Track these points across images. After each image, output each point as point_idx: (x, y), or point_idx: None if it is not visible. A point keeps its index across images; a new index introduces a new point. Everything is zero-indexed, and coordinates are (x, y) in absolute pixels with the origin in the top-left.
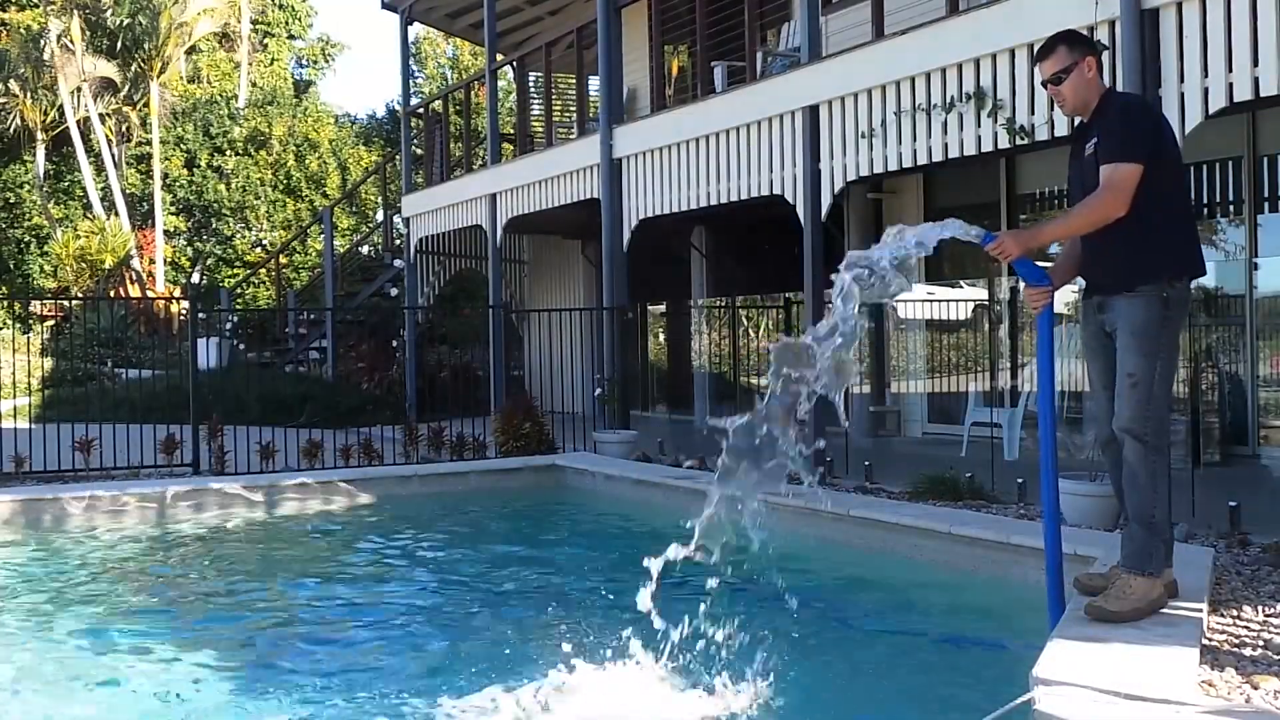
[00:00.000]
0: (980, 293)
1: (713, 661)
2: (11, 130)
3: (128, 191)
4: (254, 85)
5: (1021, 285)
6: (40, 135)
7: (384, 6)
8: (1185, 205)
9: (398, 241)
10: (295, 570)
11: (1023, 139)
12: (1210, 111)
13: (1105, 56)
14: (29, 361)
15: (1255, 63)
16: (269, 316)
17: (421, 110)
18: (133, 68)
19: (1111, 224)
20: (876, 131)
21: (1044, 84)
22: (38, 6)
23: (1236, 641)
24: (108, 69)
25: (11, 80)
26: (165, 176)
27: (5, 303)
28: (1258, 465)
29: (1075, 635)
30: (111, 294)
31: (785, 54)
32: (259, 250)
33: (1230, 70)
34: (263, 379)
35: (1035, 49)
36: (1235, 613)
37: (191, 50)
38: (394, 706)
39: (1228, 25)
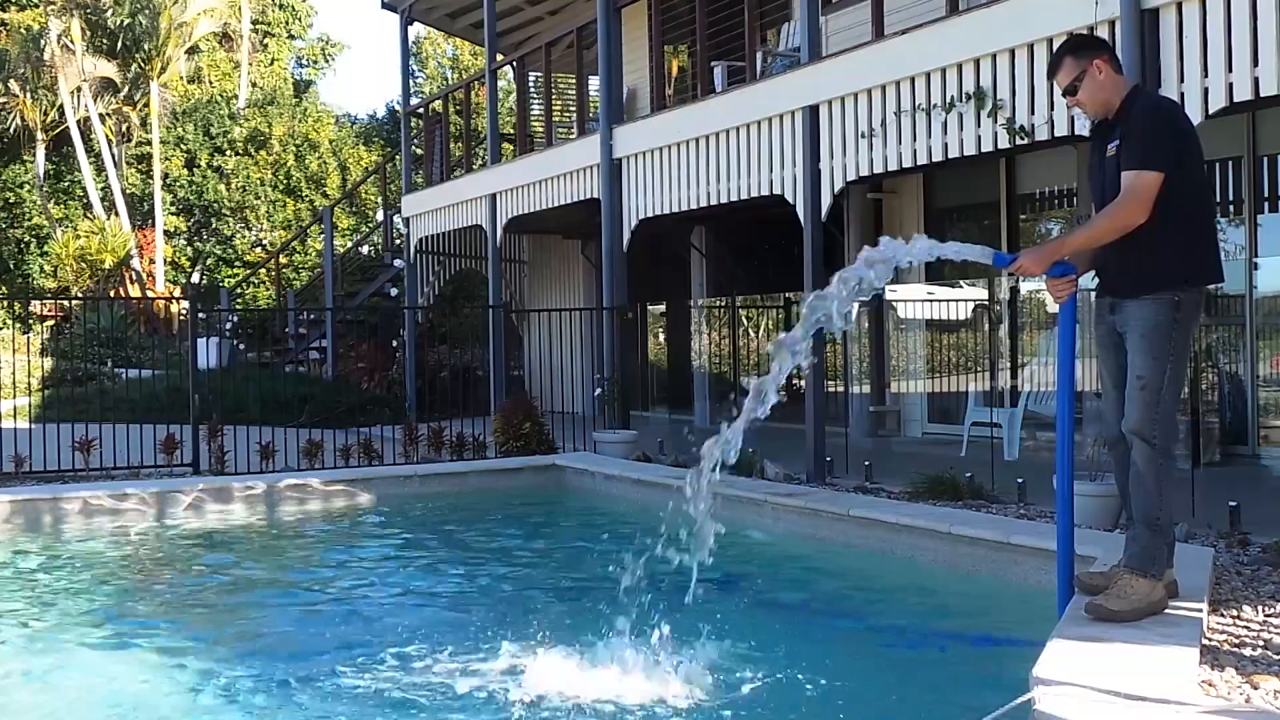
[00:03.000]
0: (980, 293)
1: (705, 657)
2: (11, 130)
3: (128, 191)
4: (254, 85)
5: (1035, 278)
6: (40, 135)
7: (384, 6)
8: (1204, 210)
9: (398, 241)
10: (291, 570)
11: (1023, 139)
12: (1210, 111)
13: None
14: (29, 361)
15: (1255, 63)
16: (269, 316)
17: (421, 110)
18: (133, 68)
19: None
20: (876, 131)
21: (1064, 95)
22: (38, 6)
23: (1236, 641)
24: (108, 69)
25: (11, 80)
26: (165, 176)
27: (5, 303)
28: (1258, 465)
29: (1075, 635)
30: (111, 294)
31: (785, 54)
32: (259, 250)
33: (1230, 70)
34: (263, 379)
35: (1035, 48)
36: (1235, 613)
37: (192, 50)
38: (385, 702)
39: (1228, 25)
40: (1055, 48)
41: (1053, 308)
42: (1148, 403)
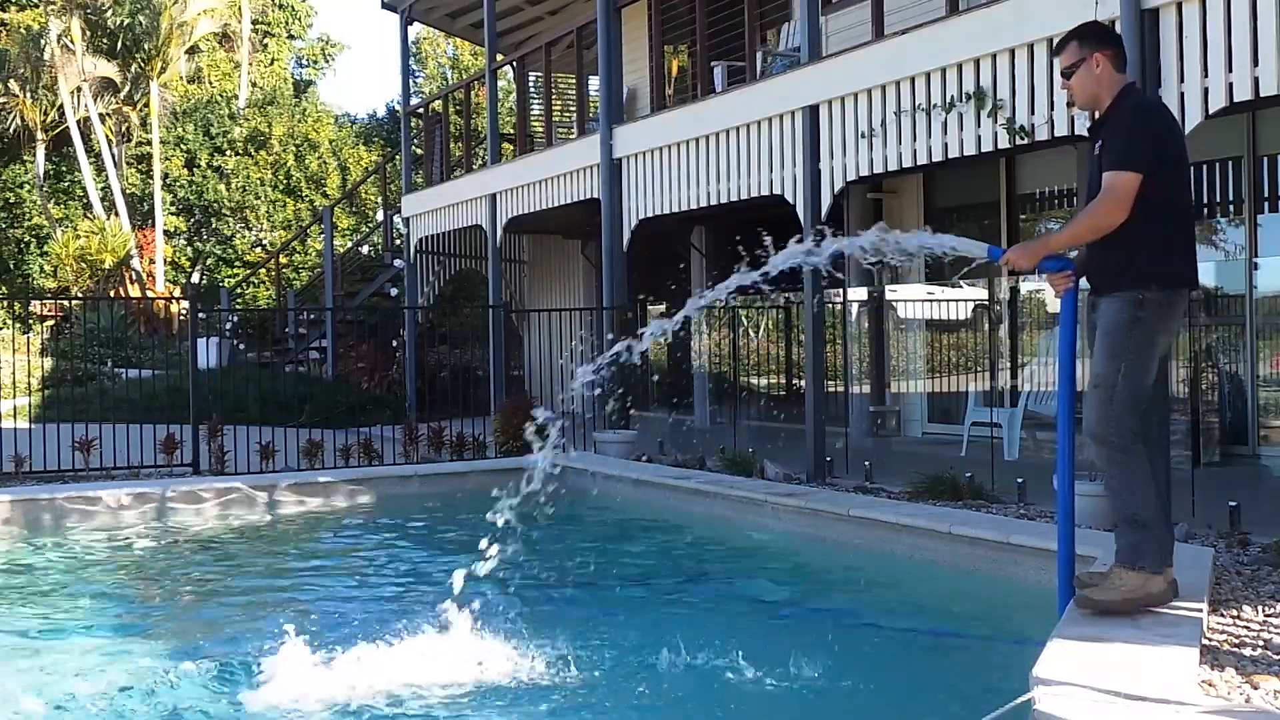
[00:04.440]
0: (980, 293)
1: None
2: (11, 130)
3: (128, 191)
4: (254, 85)
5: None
6: (40, 135)
7: (384, 6)
8: (1181, 213)
9: (398, 241)
10: (289, 570)
11: (1023, 139)
12: (1210, 111)
13: None
14: (29, 361)
15: (1255, 63)
16: (269, 316)
17: (421, 110)
18: (133, 68)
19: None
20: (876, 131)
21: (1061, 76)
22: (38, 6)
23: (1236, 641)
24: (108, 69)
25: (11, 80)
26: (165, 176)
27: (5, 303)
28: (1258, 465)
29: (1075, 635)
30: (111, 294)
31: (785, 54)
32: (259, 250)
33: (1230, 70)
34: (263, 379)
35: (1035, 48)
36: (1235, 613)
37: (192, 50)
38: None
39: (1228, 25)
40: (1053, 47)
41: (1053, 307)
42: (1100, 402)
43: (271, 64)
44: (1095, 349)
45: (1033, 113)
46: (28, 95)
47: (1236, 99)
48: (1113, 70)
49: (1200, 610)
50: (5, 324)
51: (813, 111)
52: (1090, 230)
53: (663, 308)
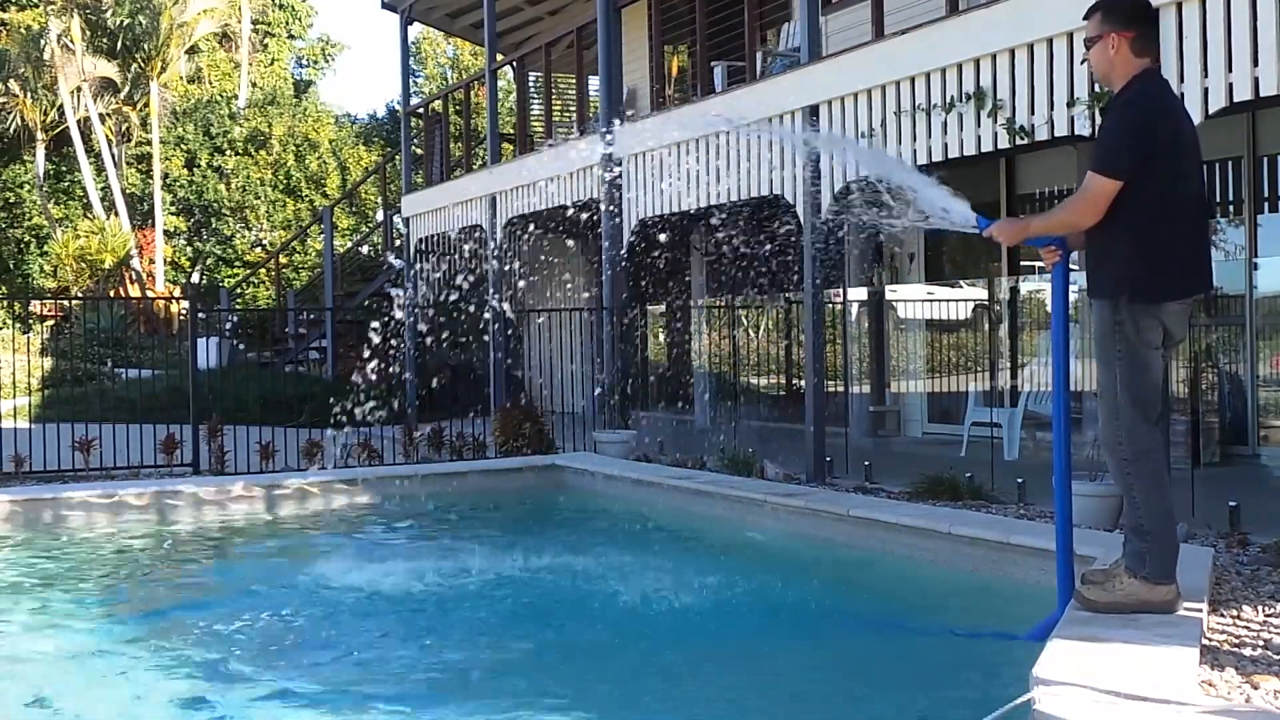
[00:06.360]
0: (980, 293)
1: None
2: (11, 130)
3: (128, 191)
4: (254, 85)
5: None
6: (40, 135)
7: (384, 6)
8: (1181, 217)
9: (398, 241)
10: (288, 571)
11: (1023, 139)
12: (1210, 111)
13: None
14: (29, 361)
15: (1255, 63)
16: (269, 316)
17: (421, 110)
18: (133, 68)
19: (1090, 229)
20: (876, 131)
21: (1085, 41)
22: (38, 6)
23: (1236, 641)
24: (108, 69)
25: (11, 80)
26: (165, 176)
27: (5, 303)
28: (1258, 465)
29: (1075, 635)
30: (111, 294)
31: (785, 54)
32: (259, 250)
33: (1230, 70)
34: (263, 379)
35: (1035, 48)
36: (1235, 613)
37: (192, 50)
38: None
39: (1227, 25)
40: (1053, 47)
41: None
42: (1106, 410)
43: (271, 64)
44: (1094, 355)
45: (1033, 113)
46: (28, 95)
47: (1236, 99)
48: (1130, 55)
49: (1200, 610)
50: (5, 324)
51: (813, 111)
52: (1063, 225)
53: (662, 308)
